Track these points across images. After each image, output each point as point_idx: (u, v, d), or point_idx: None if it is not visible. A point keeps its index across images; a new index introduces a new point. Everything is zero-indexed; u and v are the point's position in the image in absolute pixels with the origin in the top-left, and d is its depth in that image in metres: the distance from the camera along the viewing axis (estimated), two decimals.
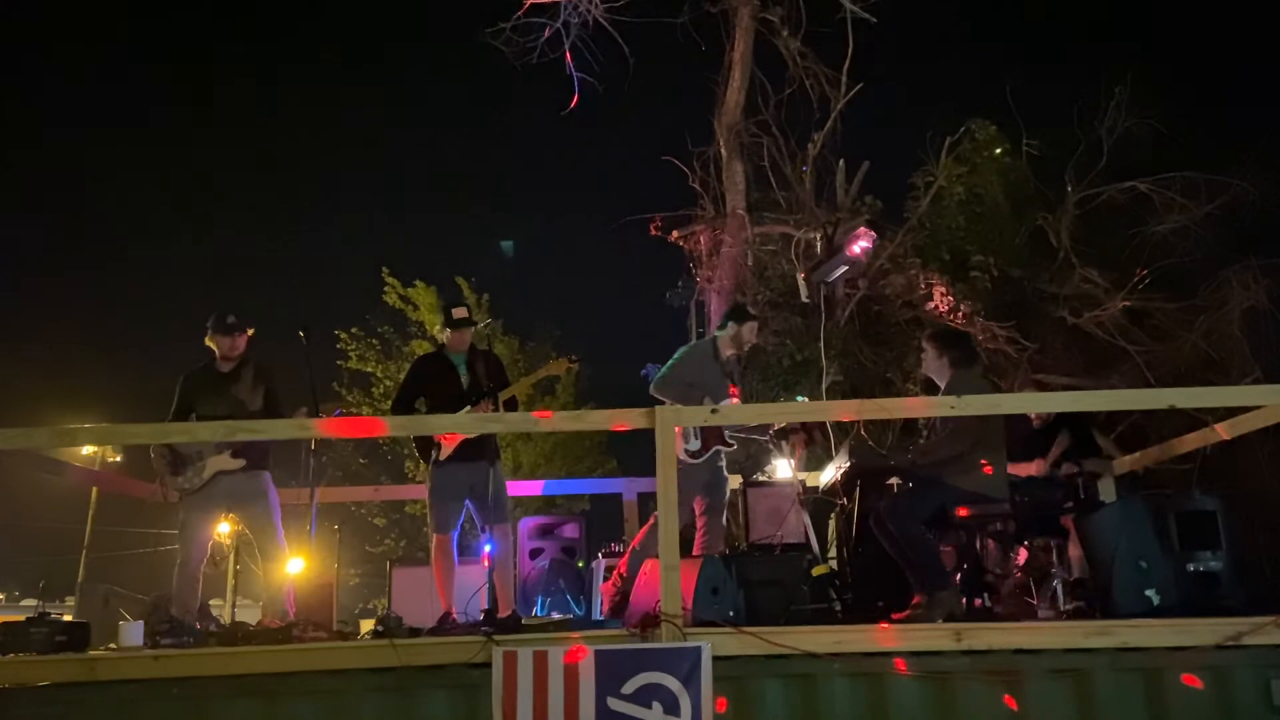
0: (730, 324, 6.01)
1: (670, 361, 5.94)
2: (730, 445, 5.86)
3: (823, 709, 3.82)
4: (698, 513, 5.83)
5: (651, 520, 5.59)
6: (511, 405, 5.51)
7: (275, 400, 5.50)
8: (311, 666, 3.94)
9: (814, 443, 6.22)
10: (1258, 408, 5.04)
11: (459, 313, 5.49)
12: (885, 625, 4.07)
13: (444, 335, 5.55)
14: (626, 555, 5.80)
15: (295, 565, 5.45)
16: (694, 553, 5.56)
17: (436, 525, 5.39)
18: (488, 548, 5.32)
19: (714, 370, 5.90)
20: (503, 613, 5.02)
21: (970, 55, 17.42)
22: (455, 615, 5.17)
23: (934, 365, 5.04)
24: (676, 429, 5.68)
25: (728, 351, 5.99)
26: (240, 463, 5.34)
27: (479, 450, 5.25)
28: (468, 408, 5.31)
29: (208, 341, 5.54)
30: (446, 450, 5.32)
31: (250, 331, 5.56)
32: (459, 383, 5.41)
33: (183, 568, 5.32)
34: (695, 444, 5.74)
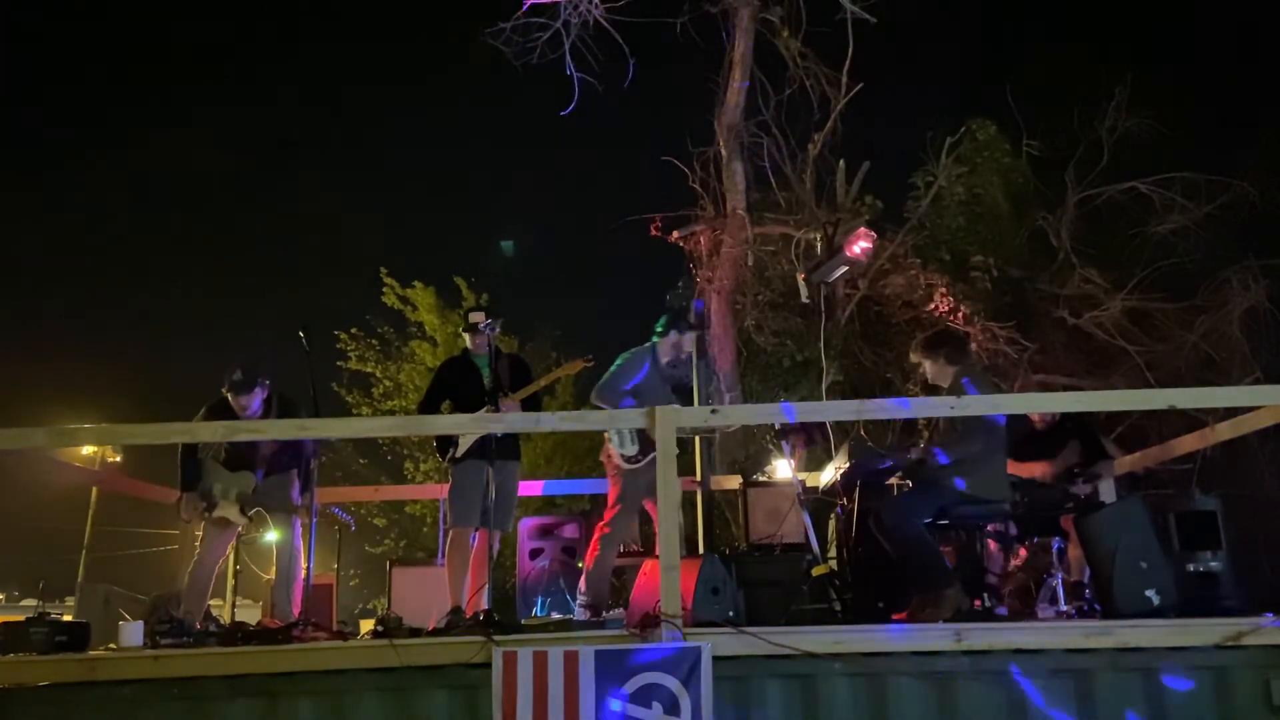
0: (671, 332, 5.87)
1: (611, 369, 5.85)
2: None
3: (823, 709, 3.82)
4: (654, 518, 5.81)
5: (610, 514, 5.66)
6: (531, 404, 5.59)
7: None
8: (311, 666, 3.94)
9: (814, 443, 6.20)
10: (1258, 408, 5.04)
11: (474, 317, 5.74)
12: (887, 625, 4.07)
13: (466, 339, 5.81)
14: (595, 541, 5.76)
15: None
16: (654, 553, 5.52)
17: (454, 519, 5.45)
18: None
19: (653, 377, 5.82)
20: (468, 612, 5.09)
21: (970, 55, 17.38)
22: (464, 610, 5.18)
23: (932, 370, 5.04)
24: (606, 436, 5.70)
25: (666, 358, 5.90)
26: (244, 519, 5.39)
27: (496, 448, 5.31)
28: (488, 407, 5.38)
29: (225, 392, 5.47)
30: (463, 447, 5.40)
31: (266, 382, 5.45)
32: (481, 383, 5.52)
33: (198, 565, 5.37)
34: (632, 449, 5.65)
